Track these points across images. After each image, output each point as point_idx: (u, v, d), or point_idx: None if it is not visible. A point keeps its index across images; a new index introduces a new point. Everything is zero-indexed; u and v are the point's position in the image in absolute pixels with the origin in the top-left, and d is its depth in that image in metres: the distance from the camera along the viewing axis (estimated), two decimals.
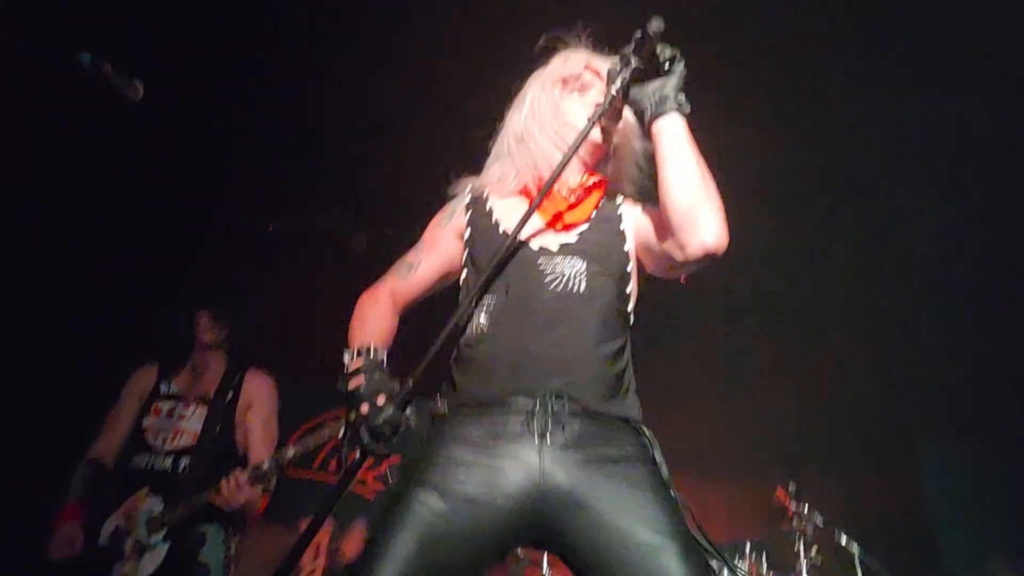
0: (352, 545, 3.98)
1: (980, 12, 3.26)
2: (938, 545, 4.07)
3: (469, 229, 1.60)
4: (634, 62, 1.46)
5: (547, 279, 1.45)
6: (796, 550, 4.34)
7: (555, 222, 1.53)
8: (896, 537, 4.46)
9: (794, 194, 4.34)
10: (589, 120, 1.48)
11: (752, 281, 5.20)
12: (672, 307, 4.95)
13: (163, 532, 2.34)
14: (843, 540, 4.28)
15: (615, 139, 1.66)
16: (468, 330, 1.46)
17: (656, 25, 1.40)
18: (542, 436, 1.32)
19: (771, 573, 4.27)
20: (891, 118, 3.81)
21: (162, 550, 2.33)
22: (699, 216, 1.42)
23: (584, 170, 1.61)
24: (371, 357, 1.41)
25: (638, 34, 1.43)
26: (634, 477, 1.33)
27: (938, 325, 4.84)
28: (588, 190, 1.57)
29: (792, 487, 4.49)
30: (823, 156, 4.11)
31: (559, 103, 1.63)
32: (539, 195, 1.44)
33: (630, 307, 1.54)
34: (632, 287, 1.55)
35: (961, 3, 3.23)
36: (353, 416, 1.30)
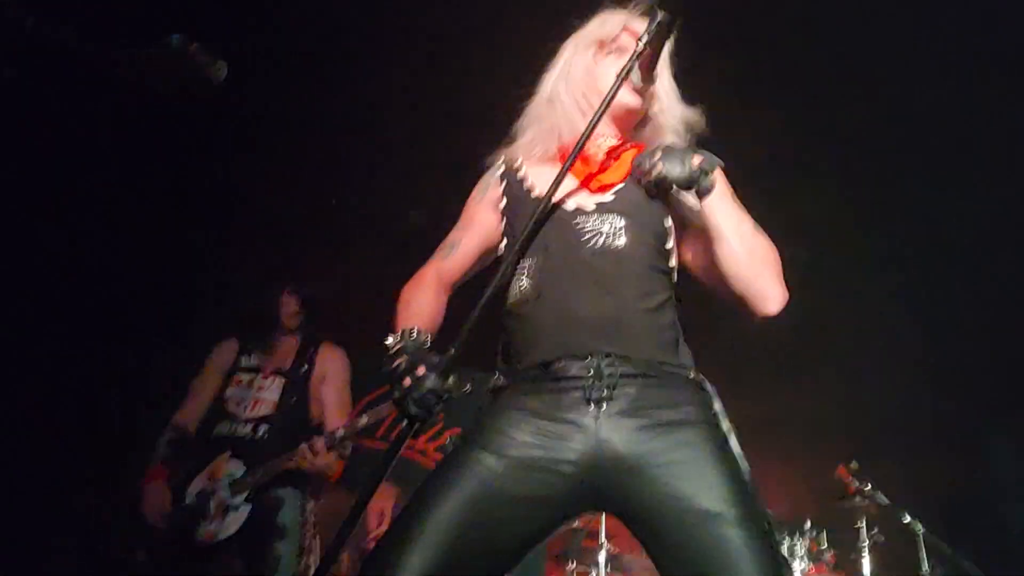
0: None
1: None
2: (1004, 524, 3.99)
3: (504, 199, 1.59)
4: (660, 15, 1.40)
5: (585, 237, 1.44)
6: (857, 527, 4.35)
7: (589, 182, 1.52)
8: (960, 517, 4.41)
9: (867, 171, 4.26)
10: (617, 76, 1.43)
11: (822, 256, 5.14)
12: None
13: (245, 494, 2.48)
14: (906, 519, 4.25)
15: (651, 105, 1.61)
16: (511, 294, 1.46)
17: None
18: (598, 403, 1.31)
19: (832, 551, 4.28)
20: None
21: (244, 511, 2.47)
22: (762, 289, 1.42)
23: (618, 136, 1.59)
24: (412, 338, 1.40)
25: None
26: (694, 442, 1.31)
27: (1012, 306, 4.72)
28: (622, 152, 1.55)
29: (854, 465, 4.46)
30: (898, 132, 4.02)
31: (592, 66, 1.59)
32: (572, 154, 1.41)
33: (672, 263, 1.52)
34: (672, 244, 1.52)
35: None
36: (396, 393, 1.30)
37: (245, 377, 2.70)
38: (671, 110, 1.61)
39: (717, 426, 1.37)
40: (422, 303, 1.53)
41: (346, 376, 2.81)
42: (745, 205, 1.53)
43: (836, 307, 5.18)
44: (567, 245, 1.44)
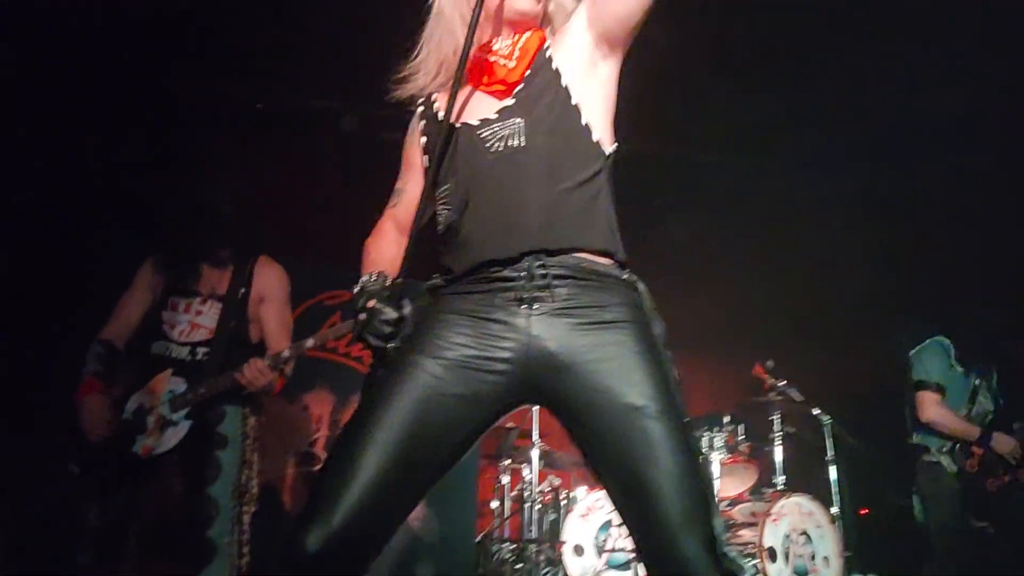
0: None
1: None
2: (903, 420, 4.30)
3: (424, 136, 1.61)
4: None
5: (488, 144, 1.45)
6: (771, 419, 4.62)
7: (491, 84, 1.52)
8: (867, 412, 4.73)
9: (781, 70, 4.26)
10: None
11: (739, 163, 5.23)
12: (661, 192, 5.01)
13: (185, 410, 2.48)
14: (816, 411, 4.55)
15: (547, 4, 1.60)
16: (439, 222, 1.50)
17: None
18: (530, 303, 1.34)
19: (748, 443, 4.57)
20: None
21: (184, 426, 2.47)
22: None
23: (514, 33, 1.57)
24: (372, 281, 1.46)
25: None
26: (623, 341, 1.34)
27: (920, 214, 4.93)
28: (521, 44, 1.54)
29: (770, 364, 4.71)
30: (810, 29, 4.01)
31: None
32: (459, 67, 1.44)
33: (595, 136, 1.49)
34: (592, 120, 1.50)
35: None
36: (355, 328, 1.40)
37: (181, 301, 2.64)
38: (566, 5, 1.60)
39: (647, 325, 1.40)
40: (382, 250, 1.57)
41: (285, 293, 2.77)
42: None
43: (762, 212, 5.34)
44: (474, 159, 1.46)
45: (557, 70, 1.51)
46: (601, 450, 1.32)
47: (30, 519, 3.34)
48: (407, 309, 1.40)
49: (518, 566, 4.20)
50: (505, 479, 4.47)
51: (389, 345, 1.37)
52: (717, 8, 3.66)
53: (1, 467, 3.30)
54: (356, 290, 1.46)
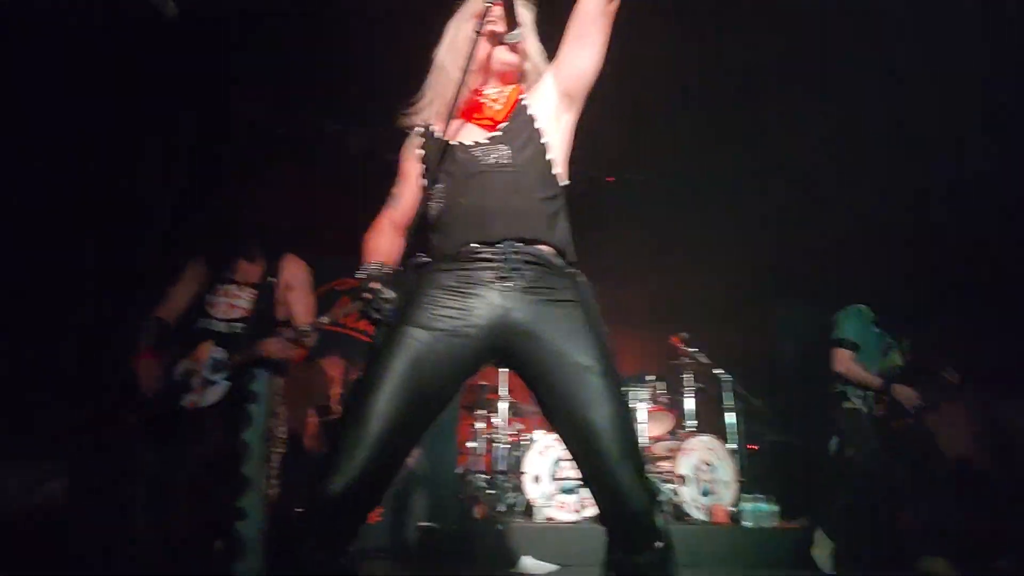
0: None
1: None
2: (783, 377, 4.38)
3: (423, 151, 1.58)
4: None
5: (480, 157, 1.46)
6: (684, 377, 4.69)
7: (482, 119, 1.52)
8: (754, 370, 4.81)
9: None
10: (475, 32, 1.47)
11: (660, 181, 5.24)
12: (596, 200, 5.00)
13: (224, 373, 2.40)
14: (717, 371, 4.61)
15: (524, 61, 1.62)
16: (430, 215, 1.48)
17: None
18: (504, 280, 1.35)
19: (667, 395, 4.61)
20: None
21: (223, 386, 2.40)
22: None
23: (501, 83, 1.59)
24: (374, 267, 1.45)
25: None
26: (574, 315, 1.35)
27: (794, 205, 4.96)
28: (505, 92, 1.56)
29: (684, 335, 4.76)
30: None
31: (471, 36, 1.51)
32: (454, 96, 1.44)
33: (555, 171, 1.51)
34: (554, 155, 1.51)
35: None
36: (361, 305, 1.39)
37: (222, 288, 2.56)
38: (539, 66, 1.62)
39: (589, 306, 1.41)
40: (380, 244, 1.55)
41: (307, 282, 2.69)
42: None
43: (672, 220, 5.36)
44: (468, 166, 1.45)
45: (532, 116, 1.54)
46: (554, 399, 1.32)
47: (94, 463, 3.22)
48: (401, 291, 1.40)
49: (490, 492, 4.19)
50: (480, 425, 4.45)
51: (387, 318, 1.36)
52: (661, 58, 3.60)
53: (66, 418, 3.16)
54: (361, 276, 1.45)
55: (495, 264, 1.36)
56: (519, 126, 1.51)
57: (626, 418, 1.31)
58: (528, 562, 3.40)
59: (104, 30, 3.06)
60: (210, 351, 2.43)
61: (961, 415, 4.23)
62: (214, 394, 2.40)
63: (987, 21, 3.37)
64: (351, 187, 4.59)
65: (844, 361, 3.42)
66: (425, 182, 1.53)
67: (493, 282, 1.35)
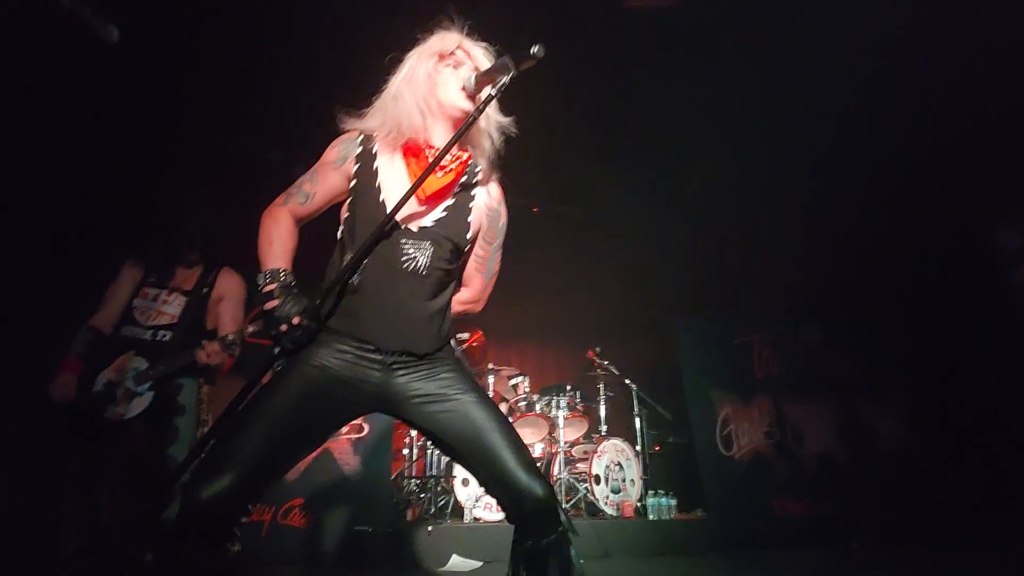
0: None
1: None
2: (682, 385, 4.45)
3: (356, 180, 1.42)
4: (513, 72, 1.32)
5: (403, 259, 1.36)
6: (598, 387, 4.71)
7: (419, 194, 1.39)
8: (658, 380, 4.89)
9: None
10: (477, 109, 1.36)
11: (578, 212, 5.30)
12: (522, 228, 5.00)
13: (148, 384, 2.15)
14: (627, 381, 4.66)
15: (476, 112, 1.50)
16: (348, 278, 1.36)
17: (539, 51, 1.27)
18: (387, 366, 1.33)
19: (581, 403, 4.60)
20: None
21: (147, 397, 2.14)
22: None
23: (450, 133, 1.45)
24: (282, 280, 1.32)
25: (535, 50, 1.27)
26: (449, 372, 1.37)
27: (696, 235, 5.11)
28: (452, 164, 1.43)
29: (598, 350, 4.79)
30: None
31: (433, 73, 1.43)
32: (417, 181, 1.34)
33: (456, 263, 1.47)
34: (465, 248, 1.47)
35: None
36: (274, 332, 1.27)
37: (151, 292, 2.30)
38: (492, 117, 1.49)
39: (459, 361, 1.44)
40: (284, 240, 1.40)
41: (242, 297, 2.46)
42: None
43: (589, 246, 5.43)
44: (388, 258, 1.36)
45: (468, 223, 1.45)
46: (446, 433, 1.32)
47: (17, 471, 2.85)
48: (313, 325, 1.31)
49: (422, 495, 4.03)
50: (413, 433, 4.26)
51: (296, 347, 1.29)
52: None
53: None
54: (265, 284, 1.32)
55: (379, 361, 1.34)
56: (448, 223, 1.42)
57: (515, 434, 1.33)
58: (456, 560, 3.25)
59: (48, 53, 2.77)
60: (131, 362, 2.17)
61: (826, 415, 4.43)
62: (138, 405, 2.14)
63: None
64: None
65: None
66: (347, 216, 1.42)
67: (378, 367, 1.34)
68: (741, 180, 4.59)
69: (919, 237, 4.42)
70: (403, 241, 1.37)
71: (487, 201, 1.50)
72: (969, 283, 4.24)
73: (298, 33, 3.38)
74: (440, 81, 1.43)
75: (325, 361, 1.30)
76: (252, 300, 2.63)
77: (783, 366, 4.50)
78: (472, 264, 1.52)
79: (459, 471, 3.92)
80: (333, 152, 1.46)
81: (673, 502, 3.98)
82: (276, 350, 1.29)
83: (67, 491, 2.12)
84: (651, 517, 3.92)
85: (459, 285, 1.52)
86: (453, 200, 1.43)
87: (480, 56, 1.46)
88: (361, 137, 1.45)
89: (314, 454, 3.77)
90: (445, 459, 4.16)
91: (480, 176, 1.50)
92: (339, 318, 1.35)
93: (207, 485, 1.14)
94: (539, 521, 1.26)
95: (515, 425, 4.41)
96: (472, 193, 1.47)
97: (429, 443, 4.13)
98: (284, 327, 1.26)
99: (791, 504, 4.08)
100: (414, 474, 4.22)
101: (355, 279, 1.35)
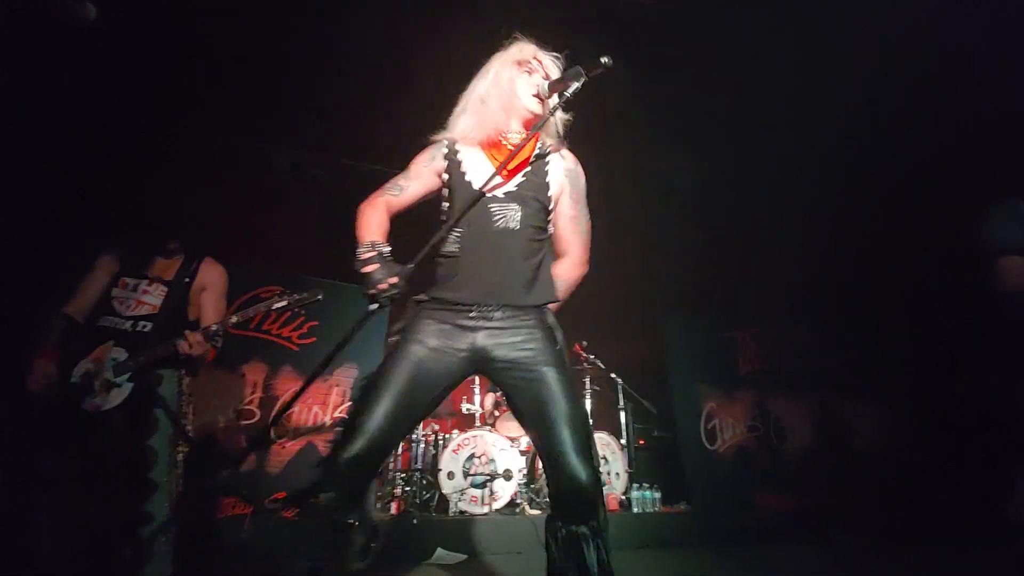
0: (281, 384, 3.79)
1: None
2: (668, 380, 4.47)
3: (448, 174, 1.63)
4: (584, 79, 1.52)
5: (494, 219, 1.54)
6: (584, 380, 4.71)
7: (502, 170, 1.56)
8: (644, 374, 4.91)
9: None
10: (550, 112, 1.61)
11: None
12: None
13: (127, 375, 2.10)
14: (612, 375, 4.67)
15: (546, 111, 1.70)
16: (444, 249, 1.55)
17: (608, 60, 1.48)
18: (483, 329, 1.49)
19: None
20: None
21: (126, 388, 2.09)
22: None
23: (523, 128, 1.68)
24: (378, 248, 1.49)
25: (604, 60, 1.49)
26: (538, 338, 1.49)
27: (682, 231, 5.11)
28: (525, 144, 1.59)
29: (584, 343, 4.79)
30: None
31: (514, 78, 1.65)
32: (502, 165, 1.54)
33: (549, 228, 1.65)
34: (550, 216, 1.64)
35: None
36: (371, 289, 1.42)
37: (131, 282, 2.24)
38: (557, 115, 1.69)
39: (552, 330, 1.54)
40: (379, 221, 1.58)
41: (224, 287, 2.41)
42: None
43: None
44: (483, 225, 1.54)
45: (547, 183, 1.63)
46: (522, 398, 1.46)
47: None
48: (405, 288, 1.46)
49: (407, 488, 4.01)
50: None
51: (386, 307, 1.44)
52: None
53: None
54: (365, 252, 1.48)
55: (474, 315, 1.49)
56: (529, 184, 1.61)
57: (581, 412, 1.43)
58: (441, 553, 3.25)
59: (27, 31, 2.68)
60: (110, 352, 2.12)
61: (808, 411, 4.48)
62: (117, 396, 2.09)
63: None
64: (276, 201, 4.33)
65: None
66: (444, 206, 1.64)
67: (471, 323, 1.49)
68: (736, 178, 4.60)
69: (919, 237, 4.42)
70: (492, 207, 1.55)
71: (563, 165, 1.69)
72: (969, 283, 4.27)
73: (292, 32, 3.29)
74: (518, 86, 1.65)
75: (427, 339, 1.48)
76: (234, 291, 2.59)
77: (767, 361, 4.54)
78: (568, 226, 1.67)
79: (444, 464, 3.90)
80: (424, 154, 1.69)
81: (657, 495, 4.01)
82: (372, 307, 1.44)
83: (41, 490, 2.06)
84: (635, 510, 3.94)
85: (553, 253, 1.65)
86: (530, 167, 1.64)
87: (550, 65, 1.67)
88: (446, 141, 1.68)
89: (298, 446, 3.73)
90: (431, 452, 4.15)
91: (550, 148, 1.70)
92: (439, 287, 1.53)
93: (343, 451, 1.35)
94: (573, 506, 1.34)
95: (501, 419, 4.48)
96: (546, 160, 1.67)
97: (415, 436, 4.12)
98: (381, 286, 1.41)
99: (773, 498, 4.13)
100: (399, 467, 4.20)
101: (454, 248, 1.53)
